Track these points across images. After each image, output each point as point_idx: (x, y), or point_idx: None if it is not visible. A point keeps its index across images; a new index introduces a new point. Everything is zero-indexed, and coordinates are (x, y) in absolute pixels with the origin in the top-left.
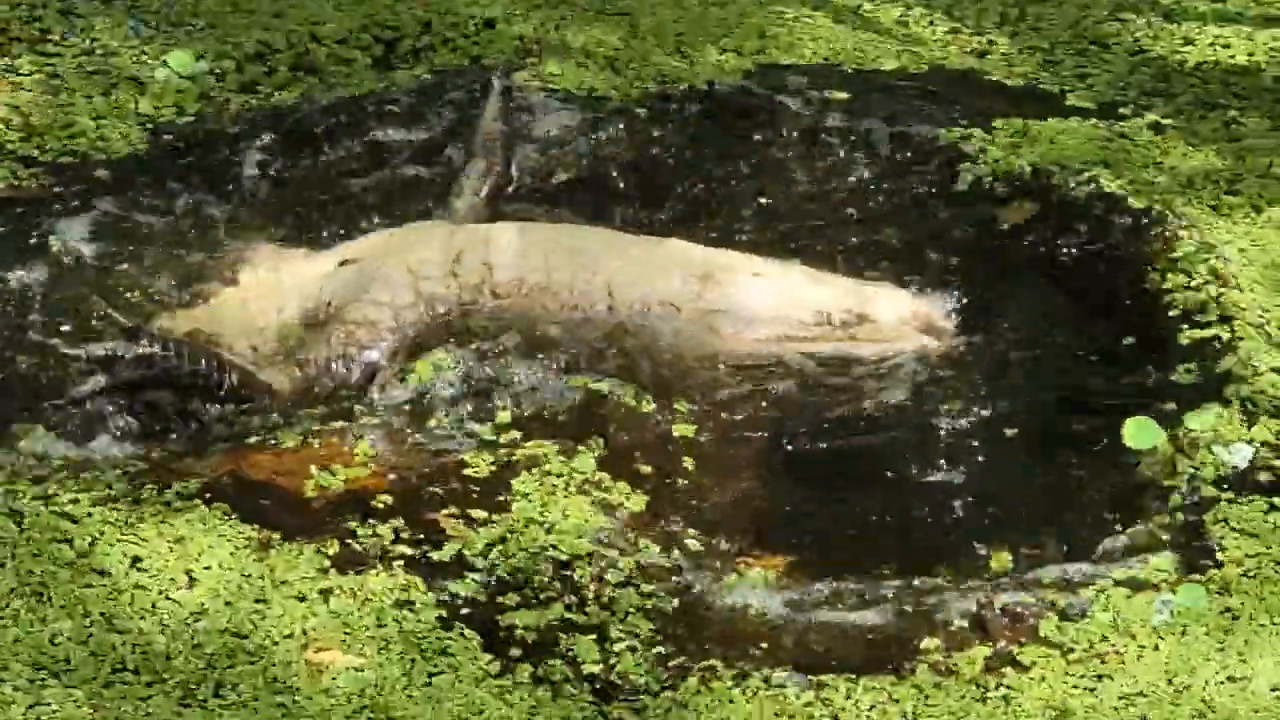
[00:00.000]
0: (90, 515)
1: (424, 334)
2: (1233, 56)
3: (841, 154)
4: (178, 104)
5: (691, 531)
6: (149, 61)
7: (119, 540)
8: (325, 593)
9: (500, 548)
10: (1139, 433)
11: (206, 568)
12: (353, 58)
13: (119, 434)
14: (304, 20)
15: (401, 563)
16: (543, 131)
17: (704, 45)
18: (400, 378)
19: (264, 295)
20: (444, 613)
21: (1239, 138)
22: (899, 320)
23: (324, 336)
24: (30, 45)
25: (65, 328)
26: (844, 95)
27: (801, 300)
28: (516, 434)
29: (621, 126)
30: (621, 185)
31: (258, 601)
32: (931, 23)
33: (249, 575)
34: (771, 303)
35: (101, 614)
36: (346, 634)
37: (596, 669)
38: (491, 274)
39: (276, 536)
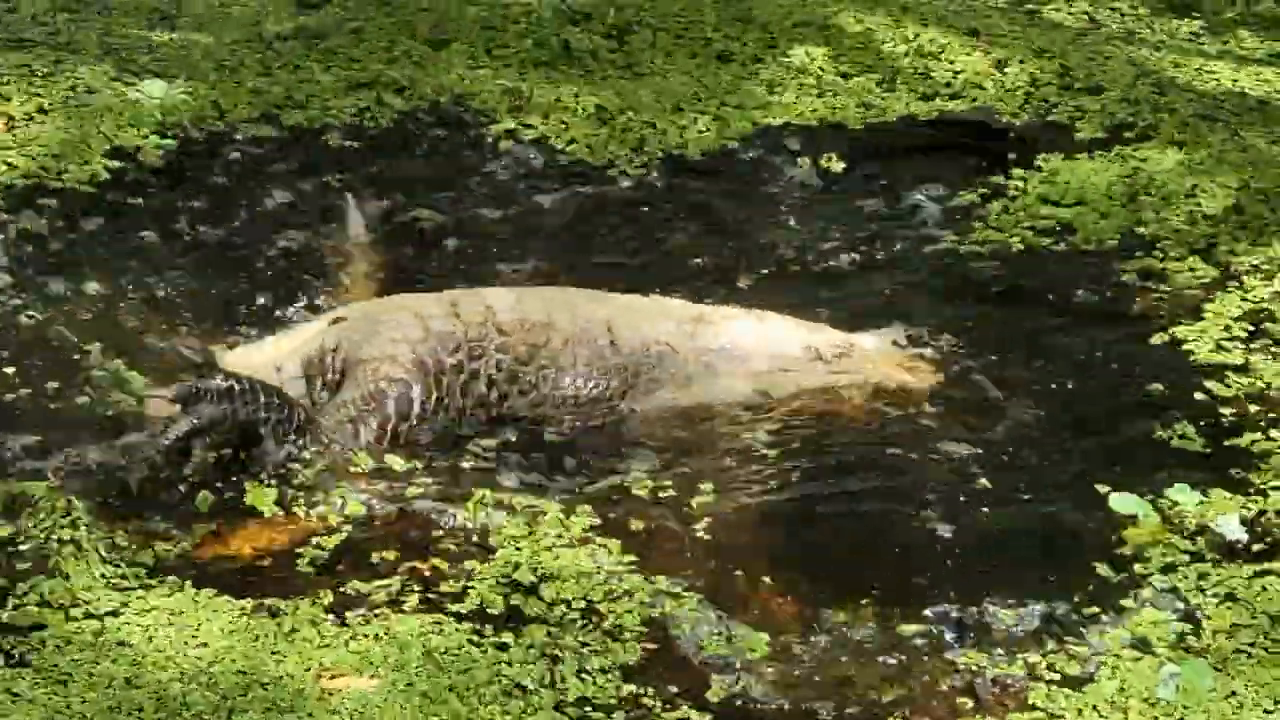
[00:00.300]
0: (95, 586)
1: (438, 368)
2: (1219, 82)
3: (841, 210)
4: (146, 135)
5: (683, 582)
6: (125, 96)
7: (128, 607)
8: (332, 633)
9: (496, 591)
10: (1122, 504)
11: (218, 623)
12: (329, 122)
13: (112, 506)
14: (291, 84)
15: (402, 605)
16: (528, 188)
17: (702, 107)
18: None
19: (259, 358)
20: (445, 647)
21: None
22: (884, 352)
23: (349, 380)
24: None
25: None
26: (841, 152)
27: (790, 337)
28: (510, 481)
29: (607, 185)
30: (600, 243)
31: (271, 650)
32: (936, 66)
33: (257, 635)
34: (763, 340)
35: (122, 676)
36: (356, 658)
37: (575, 696)
38: (494, 314)
39: (277, 595)
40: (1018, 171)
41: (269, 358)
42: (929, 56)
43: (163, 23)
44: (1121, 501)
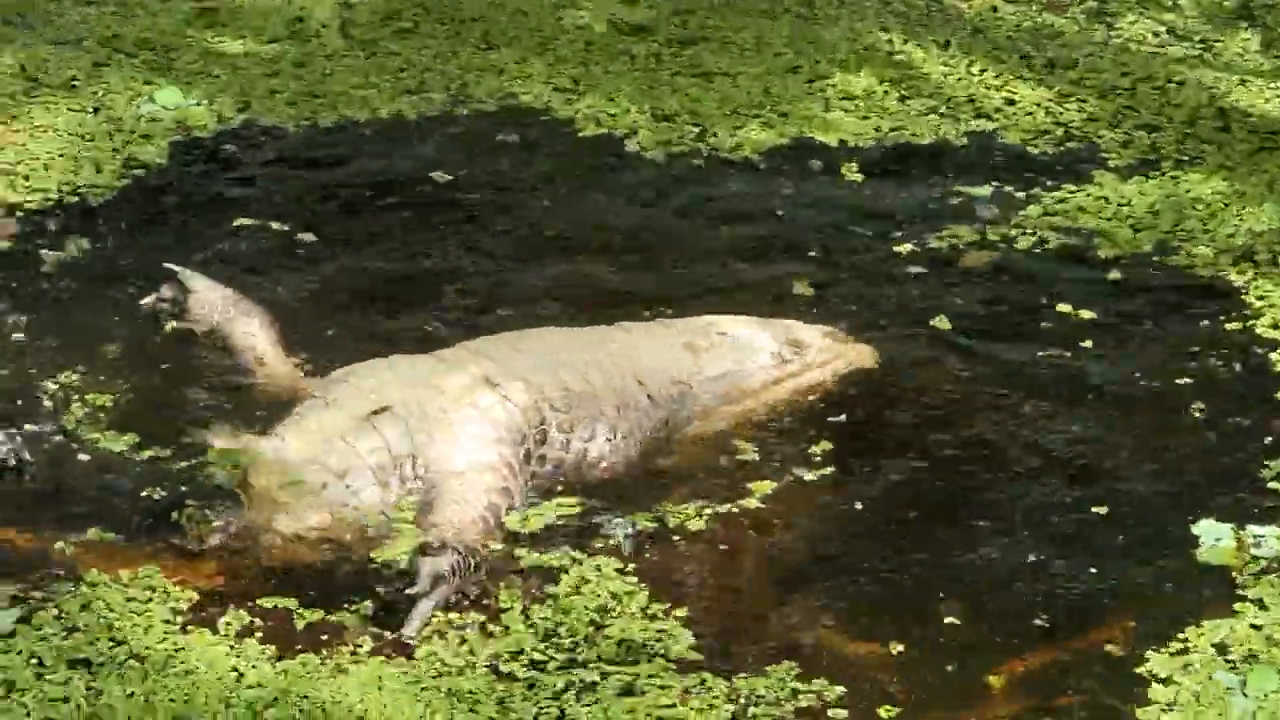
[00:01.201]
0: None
1: (516, 459)
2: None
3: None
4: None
5: (751, 630)
6: (136, 102)
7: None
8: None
9: (546, 634)
10: (1204, 531)
11: (272, 664)
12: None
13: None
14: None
15: (453, 643)
16: (572, 175)
17: (751, 114)
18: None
19: (291, 455)
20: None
21: None
22: (822, 338)
23: (454, 495)
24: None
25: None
26: (867, 167)
27: (760, 346)
28: (567, 532)
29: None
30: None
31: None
32: (986, 87)
33: (311, 679)
34: (746, 356)
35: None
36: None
37: None
38: (543, 392)
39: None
40: (1067, 186)
41: (304, 455)
42: (989, 88)
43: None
44: (1204, 529)
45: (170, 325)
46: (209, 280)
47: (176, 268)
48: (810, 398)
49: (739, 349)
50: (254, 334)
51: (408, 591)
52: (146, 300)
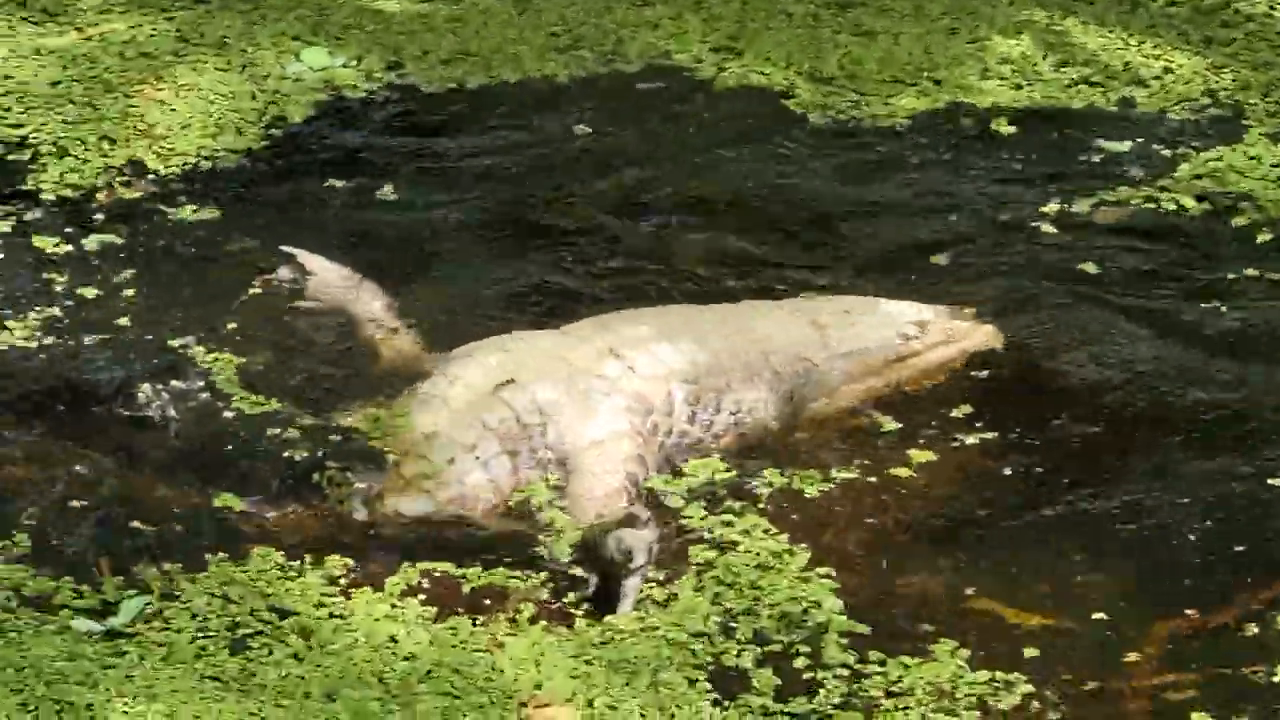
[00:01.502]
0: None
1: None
2: None
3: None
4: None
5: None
6: (282, 64)
7: (335, 616)
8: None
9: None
10: None
11: (425, 634)
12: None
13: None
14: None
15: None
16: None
17: (907, 79)
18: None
19: (439, 444)
20: (663, 657)
21: None
22: (948, 319)
23: (591, 466)
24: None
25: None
26: (1012, 129)
27: (886, 324)
28: (708, 503)
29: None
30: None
31: (478, 665)
32: (1144, 56)
33: (468, 650)
34: (872, 334)
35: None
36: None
37: None
38: (669, 364)
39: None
40: (1214, 150)
41: (431, 431)
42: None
43: None
44: None
45: (292, 304)
46: (327, 260)
47: (294, 250)
48: (937, 378)
49: (865, 327)
50: (376, 312)
51: (630, 566)
52: (266, 278)
